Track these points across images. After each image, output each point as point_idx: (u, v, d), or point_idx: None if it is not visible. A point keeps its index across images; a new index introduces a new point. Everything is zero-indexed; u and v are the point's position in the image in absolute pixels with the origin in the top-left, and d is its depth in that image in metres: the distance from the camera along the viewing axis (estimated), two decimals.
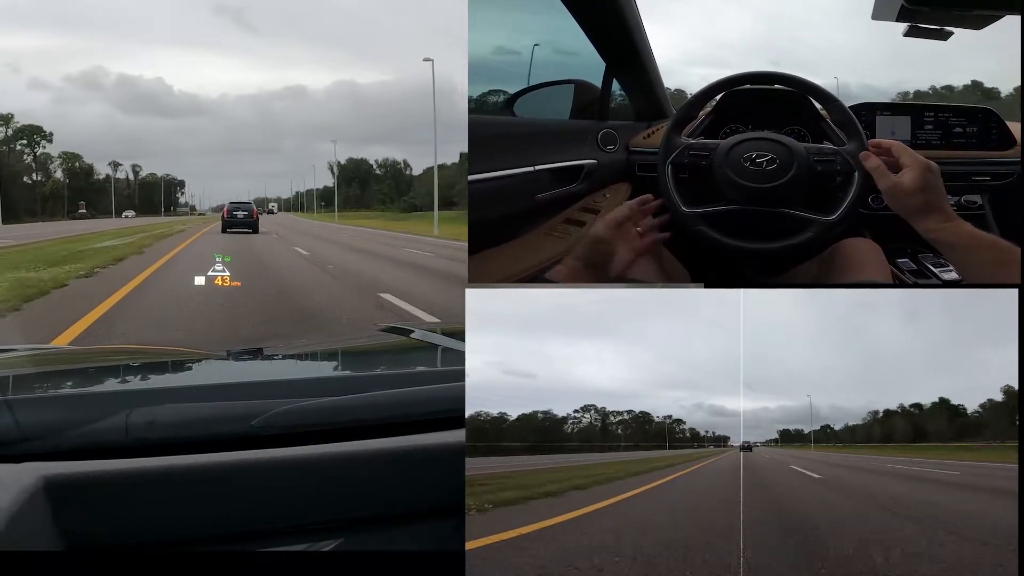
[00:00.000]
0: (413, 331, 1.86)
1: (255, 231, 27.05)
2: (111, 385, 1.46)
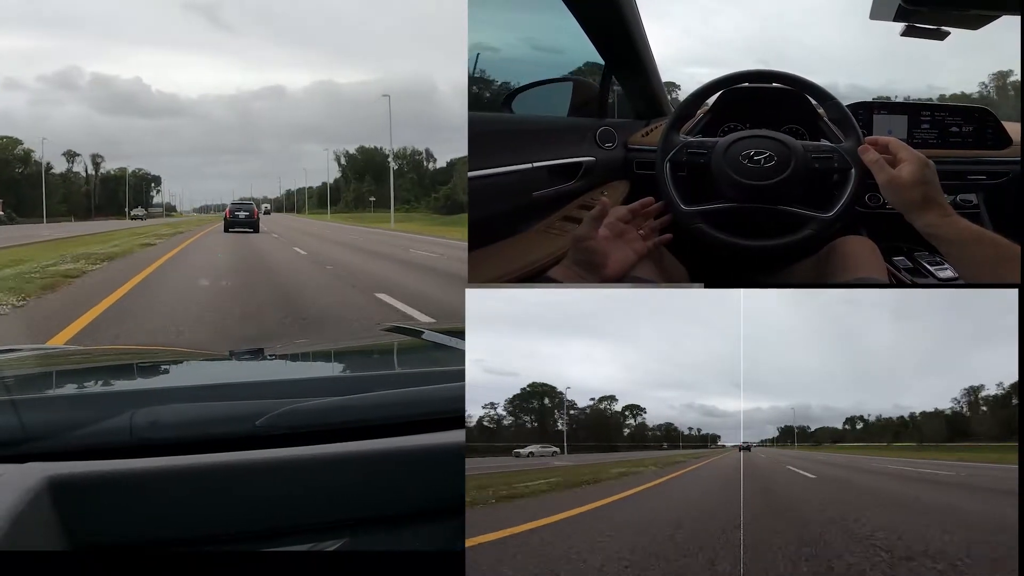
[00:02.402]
0: (415, 331, 1.87)
1: (256, 230, 27.85)
2: (115, 385, 1.46)
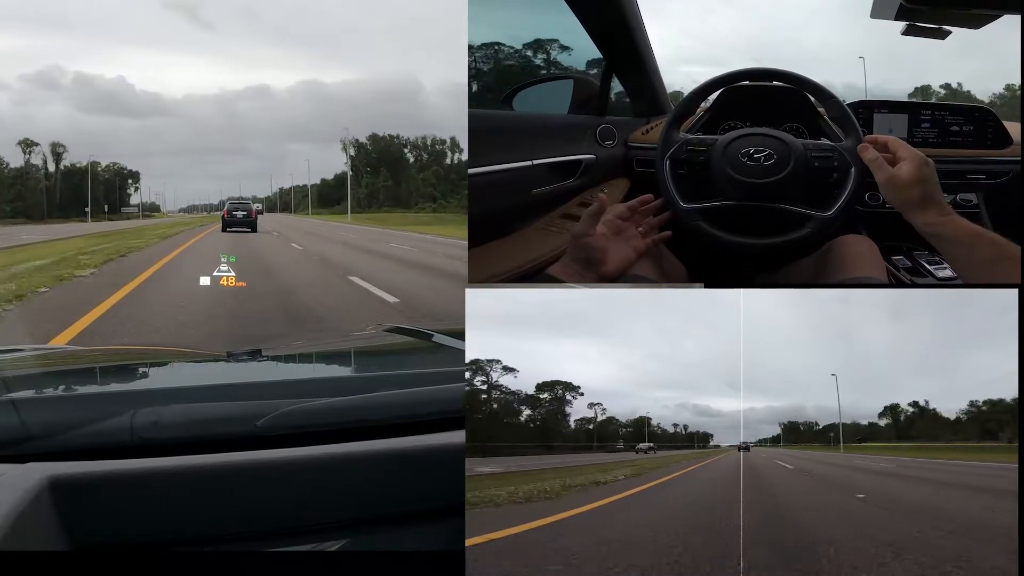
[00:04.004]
0: (415, 331, 1.87)
1: (254, 230, 27.97)
2: (116, 385, 1.47)
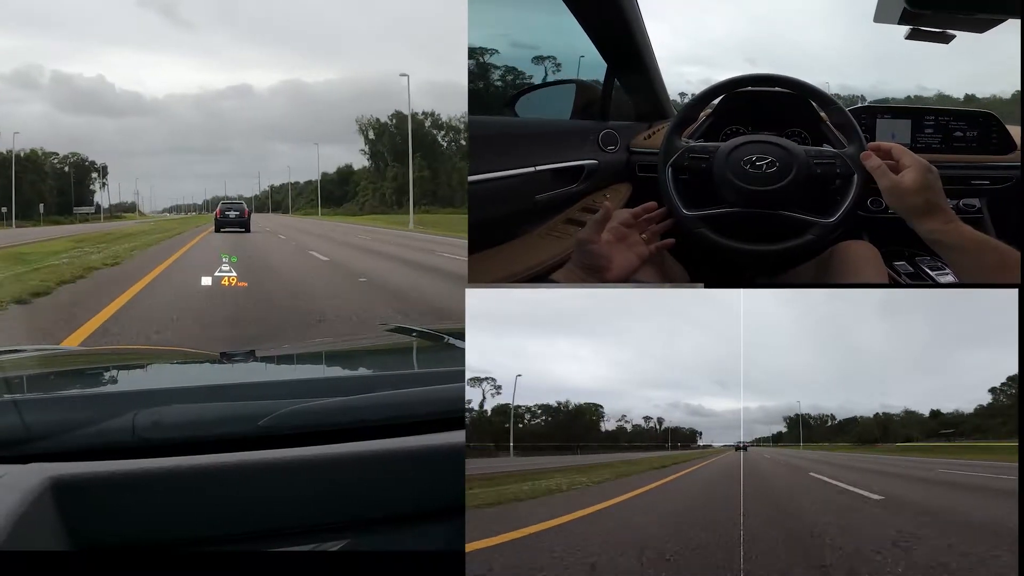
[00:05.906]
0: (416, 331, 1.87)
1: (247, 230, 28.08)
2: (118, 386, 1.47)
